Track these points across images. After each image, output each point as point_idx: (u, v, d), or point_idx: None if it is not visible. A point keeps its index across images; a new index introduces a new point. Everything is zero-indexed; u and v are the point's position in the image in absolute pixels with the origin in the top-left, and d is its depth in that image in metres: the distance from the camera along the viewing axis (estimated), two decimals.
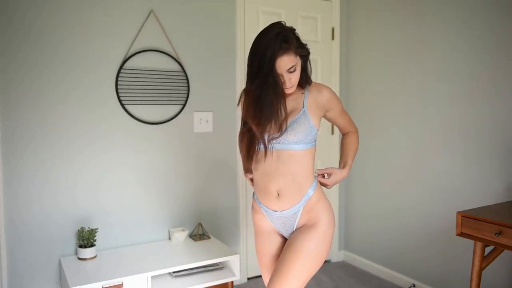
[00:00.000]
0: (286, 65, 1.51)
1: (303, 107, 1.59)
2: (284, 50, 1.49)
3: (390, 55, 3.06)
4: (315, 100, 1.63)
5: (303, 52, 1.57)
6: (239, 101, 1.66)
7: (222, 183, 3.00)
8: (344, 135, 1.85)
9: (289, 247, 1.57)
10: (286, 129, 1.55)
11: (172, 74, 2.75)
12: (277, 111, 1.51)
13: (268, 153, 1.57)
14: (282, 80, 1.53)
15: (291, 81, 1.55)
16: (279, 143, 1.57)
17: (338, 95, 1.68)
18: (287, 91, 1.58)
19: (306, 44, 1.60)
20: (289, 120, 1.57)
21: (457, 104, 2.61)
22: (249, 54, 1.55)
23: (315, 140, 1.64)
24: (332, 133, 3.46)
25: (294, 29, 1.57)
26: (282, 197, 1.60)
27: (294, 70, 1.54)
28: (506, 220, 1.85)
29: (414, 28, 2.86)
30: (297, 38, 1.56)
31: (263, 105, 1.49)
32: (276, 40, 1.48)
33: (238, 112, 1.73)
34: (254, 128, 1.54)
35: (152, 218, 2.75)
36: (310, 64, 1.66)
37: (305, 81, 1.65)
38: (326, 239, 1.60)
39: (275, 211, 1.63)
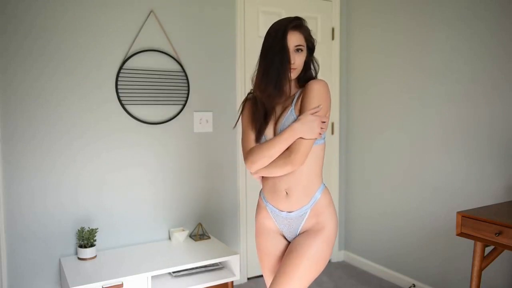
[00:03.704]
0: (296, 40, 1.55)
1: (291, 106, 1.58)
2: (297, 26, 1.56)
3: (390, 55, 3.06)
4: (302, 95, 1.58)
5: (310, 41, 1.62)
6: (240, 110, 1.68)
7: (222, 183, 3.00)
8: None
9: (295, 250, 1.56)
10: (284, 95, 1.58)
11: (172, 74, 2.75)
12: (281, 79, 1.52)
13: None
14: (290, 59, 1.55)
15: (294, 63, 1.56)
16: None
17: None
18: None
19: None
20: (280, 122, 1.57)
21: (457, 104, 2.61)
22: (265, 36, 1.59)
23: (324, 139, 1.61)
24: (332, 133, 3.46)
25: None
26: (290, 197, 1.59)
27: (301, 51, 1.57)
28: (506, 220, 1.85)
29: (414, 28, 2.86)
30: (309, 30, 1.63)
31: (269, 73, 1.52)
32: (291, 19, 1.56)
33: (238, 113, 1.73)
34: (259, 95, 1.56)
35: (152, 218, 2.75)
36: (314, 66, 1.69)
37: (303, 80, 1.65)
38: (330, 244, 1.61)
39: (282, 211, 1.62)
